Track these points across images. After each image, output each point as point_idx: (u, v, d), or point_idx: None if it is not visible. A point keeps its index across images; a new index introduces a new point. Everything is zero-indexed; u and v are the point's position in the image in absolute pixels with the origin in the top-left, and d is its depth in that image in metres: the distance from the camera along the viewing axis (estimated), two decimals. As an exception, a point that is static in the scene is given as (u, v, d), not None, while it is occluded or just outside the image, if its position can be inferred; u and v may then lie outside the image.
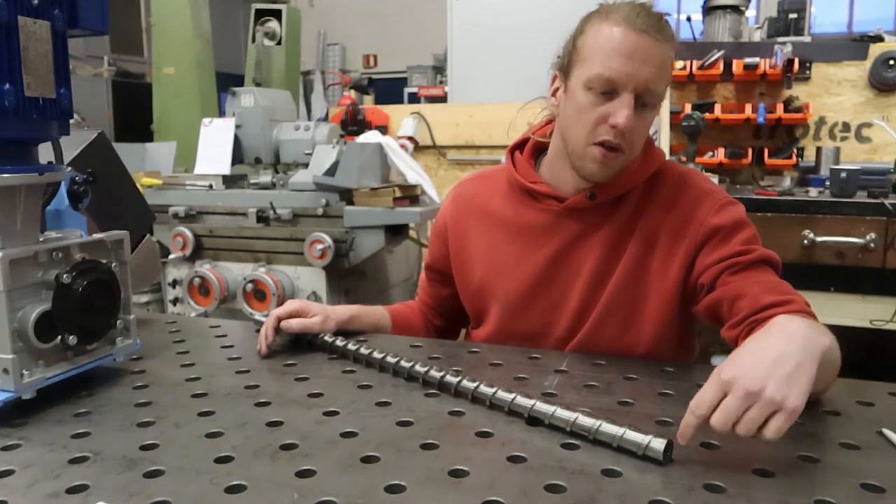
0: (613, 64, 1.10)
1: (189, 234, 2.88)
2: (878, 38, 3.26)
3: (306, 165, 2.97)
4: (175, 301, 2.94)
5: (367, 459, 0.80)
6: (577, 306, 1.25)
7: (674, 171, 1.27)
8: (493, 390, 0.95)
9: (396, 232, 2.82)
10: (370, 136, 3.02)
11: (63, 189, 1.16)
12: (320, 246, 2.69)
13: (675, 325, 1.25)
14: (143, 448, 0.84)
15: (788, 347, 0.82)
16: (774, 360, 0.80)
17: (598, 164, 1.17)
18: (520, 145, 1.37)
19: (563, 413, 0.87)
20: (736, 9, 3.44)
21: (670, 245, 1.21)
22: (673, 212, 1.22)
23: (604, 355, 1.21)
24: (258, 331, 1.24)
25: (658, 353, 1.24)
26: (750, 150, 3.13)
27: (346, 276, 2.85)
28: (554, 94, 1.24)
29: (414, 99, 7.15)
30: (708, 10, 3.49)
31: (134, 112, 6.73)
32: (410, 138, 3.79)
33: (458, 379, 1.00)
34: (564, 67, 1.20)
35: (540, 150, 1.34)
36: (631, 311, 1.23)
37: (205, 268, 2.80)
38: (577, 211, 1.25)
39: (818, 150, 3.01)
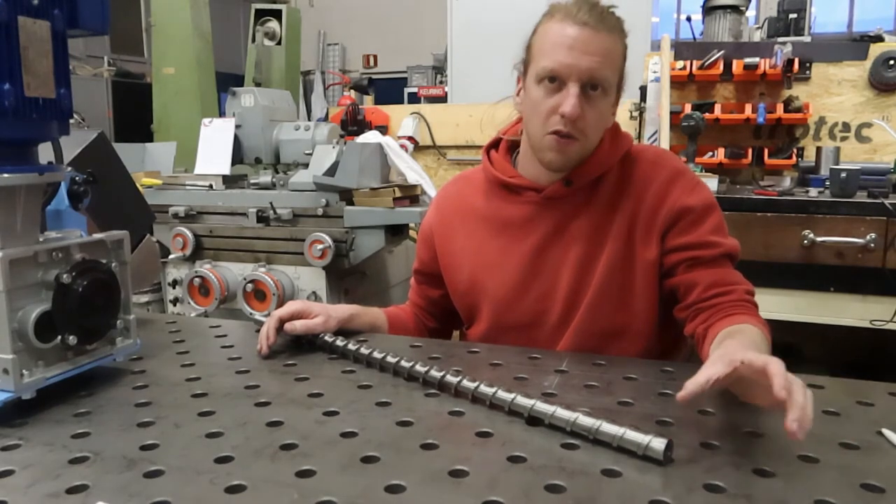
0: (556, 56, 1.18)
1: (189, 234, 2.88)
2: (878, 38, 3.25)
3: (306, 165, 2.97)
4: (175, 301, 2.94)
5: (367, 459, 0.80)
6: (568, 292, 1.29)
7: (647, 153, 1.34)
8: (493, 390, 0.95)
9: (396, 232, 2.82)
10: (370, 136, 3.02)
11: (63, 189, 1.16)
12: (320, 246, 2.69)
13: (662, 296, 1.30)
14: (143, 448, 0.83)
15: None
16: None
17: (554, 152, 1.23)
18: (494, 144, 1.42)
19: (563, 413, 0.87)
20: (736, 9, 3.43)
21: (650, 221, 1.26)
22: (649, 190, 1.27)
23: (603, 356, 1.21)
24: (258, 331, 1.24)
25: (651, 326, 1.28)
26: (750, 150, 3.11)
27: (346, 276, 2.85)
28: (518, 93, 1.32)
29: (414, 99, 7.15)
30: (708, 10, 3.48)
31: (134, 112, 6.72)
32: (410, 138, 3.80)
33: (458, 379, 1.00)
34: (522, 67, 1.29)
35: (514, 147, 1.40)
36: (621, 288, 1.27)
37: (205, 268, 2.80)
38: (557, 199, 1.30)
39: (818, 150, 3.00)
